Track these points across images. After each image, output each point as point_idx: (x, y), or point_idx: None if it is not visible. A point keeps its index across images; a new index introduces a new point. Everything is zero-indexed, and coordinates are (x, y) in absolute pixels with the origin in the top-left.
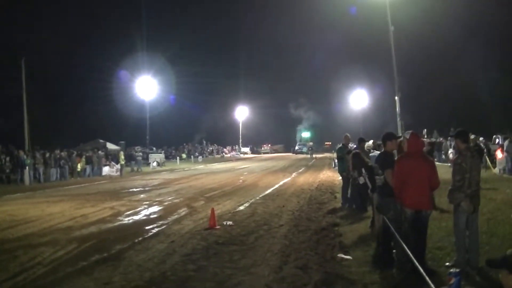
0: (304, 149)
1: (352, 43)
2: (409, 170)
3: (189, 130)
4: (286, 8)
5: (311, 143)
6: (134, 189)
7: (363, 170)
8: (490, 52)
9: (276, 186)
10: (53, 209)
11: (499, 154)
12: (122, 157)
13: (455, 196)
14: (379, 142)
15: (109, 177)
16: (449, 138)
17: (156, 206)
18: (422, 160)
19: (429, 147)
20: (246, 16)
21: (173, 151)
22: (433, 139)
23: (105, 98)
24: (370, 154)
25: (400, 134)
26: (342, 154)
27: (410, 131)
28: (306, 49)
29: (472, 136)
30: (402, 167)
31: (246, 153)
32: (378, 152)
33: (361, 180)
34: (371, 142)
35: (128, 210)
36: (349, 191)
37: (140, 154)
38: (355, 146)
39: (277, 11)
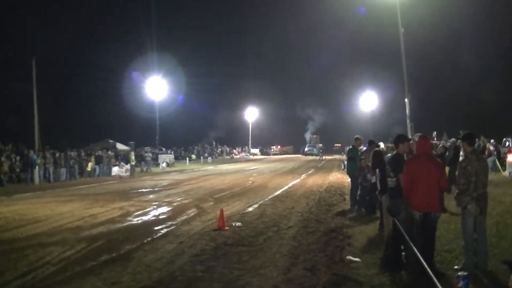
0: (314, 151)
1: (361, 44)
2: (417, 173)
3: (199, 131)
4: (295, 9)
5: (320, 145)
6: (144, 190)
7: (377, 171)
8: (502, 53)
9: (285, 187)
10: (62, 208)
11: (511, 158)
12: (133, 157)
13: (461, 199)
14: (390, 144)
15: (119, 177)
16: (458, 140)
17: (165, 207)
18: (431, 162)
19: (443, 150)
20: (255, 17)
21: (183, 152)
22: (442, 142)
23: (115, 98)
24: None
25: (410, 136)
26: (353, 155)
27: (419, 134)
28: (315, 50)
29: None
30: (410, 169)
31: (255, 154)
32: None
33: (373, 179)
34: (381, 144)
35: (137, 211)
36: (358, 193)
37: (150, 154)
38: (365, 148)
39: (287, 11)
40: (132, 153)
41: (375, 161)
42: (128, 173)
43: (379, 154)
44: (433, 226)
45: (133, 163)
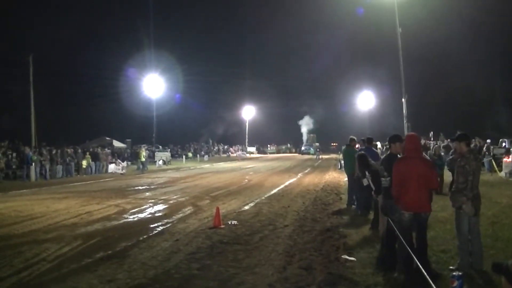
0: (311, 150)
1: (359, 44)
2: (406, 173)
3: (196, 129)
4: (294, 8)
5: (317, 144)
6: (140, 187)
7: (367, 173)
8: (497, 54)
9: (282, 186)
10: (58, 205)
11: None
12: (143, 153)
13: (457, 199)
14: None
15: (120, 174)
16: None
17: (161, 205)
18: (419, 162)
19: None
20: (253, 16)
21: (179, 150)
22: (423, 141)
23: (112, 95)
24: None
25: None
26: (350, 154)
27: (411, 133)
28: (313, 50)
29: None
30: (399, 169)
31: (252, 152)
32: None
33: (365, 182)
34: (378, 144)
35: (133, 208)
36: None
37: (147, 152)
38: (363, 147)
39: (285, 11)
40: (143, 149)
41: (360, 164)
42: (124, 171)
43: (363, 157)
44: (424, 226)
45: (143, 159)
